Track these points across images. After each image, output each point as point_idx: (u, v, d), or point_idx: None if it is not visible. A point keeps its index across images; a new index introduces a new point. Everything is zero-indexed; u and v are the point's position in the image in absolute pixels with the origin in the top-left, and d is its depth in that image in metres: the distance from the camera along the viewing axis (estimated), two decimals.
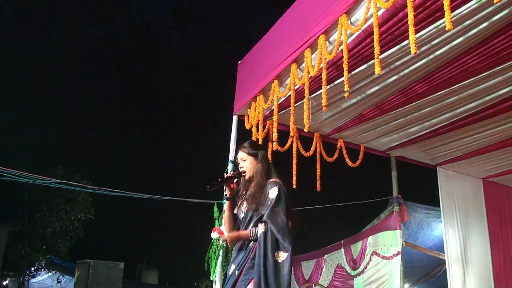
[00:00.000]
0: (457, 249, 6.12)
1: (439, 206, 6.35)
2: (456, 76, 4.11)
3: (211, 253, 4.44)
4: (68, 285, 15.04)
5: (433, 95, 4.51)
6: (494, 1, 2.63)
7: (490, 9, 3.24)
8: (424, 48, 3.70)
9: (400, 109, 4.83)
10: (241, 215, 3.19)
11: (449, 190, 6.43)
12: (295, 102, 4.22)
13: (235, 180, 3.32)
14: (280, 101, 4.60)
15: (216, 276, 4.37)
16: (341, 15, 3.39)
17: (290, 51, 4.10)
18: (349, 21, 3.37)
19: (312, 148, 5.27)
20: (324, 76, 3.59)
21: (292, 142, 4.90)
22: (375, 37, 3.08)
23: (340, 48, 3.43)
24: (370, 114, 5.01)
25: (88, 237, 15.75)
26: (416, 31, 3.00)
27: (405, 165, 6.47)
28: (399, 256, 5.92)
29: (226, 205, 3.30)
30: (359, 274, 6.54)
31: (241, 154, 3.31)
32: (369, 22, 3.27)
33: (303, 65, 3.99)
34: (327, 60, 3.60)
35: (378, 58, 3.04)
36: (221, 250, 4.38)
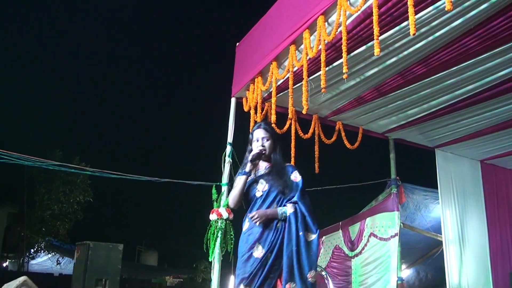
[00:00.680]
0: (455, 231, 6.16)
1: (437, 188, 6.38)
2: (455, 58, 4.08)
3: (210, 234, 4.46)
4: (67, 266, 15.18)
5: (432, 77, 4.49)
6: None
7: None
8: (423, 29, 3.67)
9: (399, 91, 4.81)
10: (258, 193, 3.21)
11: (447, 172, 6.46)
12: (294, 84, 4.21)
13: None
14: (279, 83, 4.57)
15: (215, 258, 4.40)
16: None
17: (289, 32, 4.07)
18: (348, 2, 3.32)
19: (311, 130, 5.27)
20: (323, 58, 3.57)
21: (290, 124, 4.90)
22: (375, 18, 3.06)
23: (339, 30, 3.40)
24: (369, 96, 4.99)
25: (87, 220, 15.83)
26: (416, 12, 2.98)
27: (403, 147, 6.49)
28: (397, 238, 5.96)
29: (241, 179, 3.23)
30: (356, 255, 6.58)
31: (264, 133, 3.31)
32: (368, 3, 3.24)
33: (302, 46, 3.96)
34: (326, 41, 3.57)
35: (377, 39, 3.02)
36: (220, 232, 4.40)
